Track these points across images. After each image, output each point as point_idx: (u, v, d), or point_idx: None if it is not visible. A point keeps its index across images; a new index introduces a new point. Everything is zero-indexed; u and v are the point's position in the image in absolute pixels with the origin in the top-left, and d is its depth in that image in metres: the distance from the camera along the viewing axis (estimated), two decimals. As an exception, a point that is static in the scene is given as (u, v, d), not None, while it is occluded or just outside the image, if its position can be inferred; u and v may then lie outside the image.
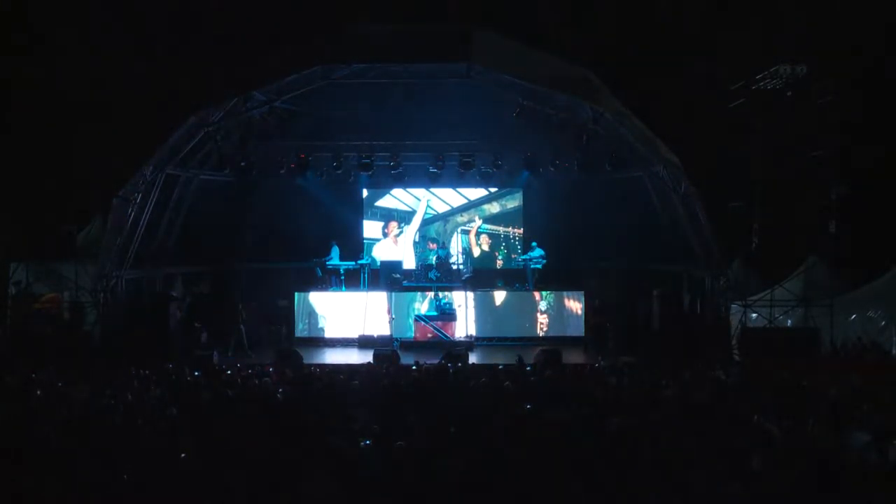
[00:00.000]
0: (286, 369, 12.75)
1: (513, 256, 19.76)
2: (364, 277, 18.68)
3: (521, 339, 18.20)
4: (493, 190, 20.02)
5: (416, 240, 19.85)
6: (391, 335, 18.08)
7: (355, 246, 19.48)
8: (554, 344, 16.57)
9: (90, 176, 17.10)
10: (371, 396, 9.77)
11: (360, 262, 18.78)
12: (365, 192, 20.24)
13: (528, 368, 13.18)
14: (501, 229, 20.09)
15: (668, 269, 18.37)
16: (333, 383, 11.18)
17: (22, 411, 8.83)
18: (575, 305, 18.04)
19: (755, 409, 8.50)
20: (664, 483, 6.02)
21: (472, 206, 20.19)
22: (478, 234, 20.11)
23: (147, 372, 11.88)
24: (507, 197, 20.19)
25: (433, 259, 18.73)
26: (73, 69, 17.22)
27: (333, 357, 16.43)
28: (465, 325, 17.94)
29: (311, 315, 18.17)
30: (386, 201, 20.23)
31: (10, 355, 14.26)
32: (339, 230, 19.33)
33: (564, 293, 18.14)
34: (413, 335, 17.90)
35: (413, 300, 18.09)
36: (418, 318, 18.02)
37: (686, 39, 18.62)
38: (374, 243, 20.10)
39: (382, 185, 19.50)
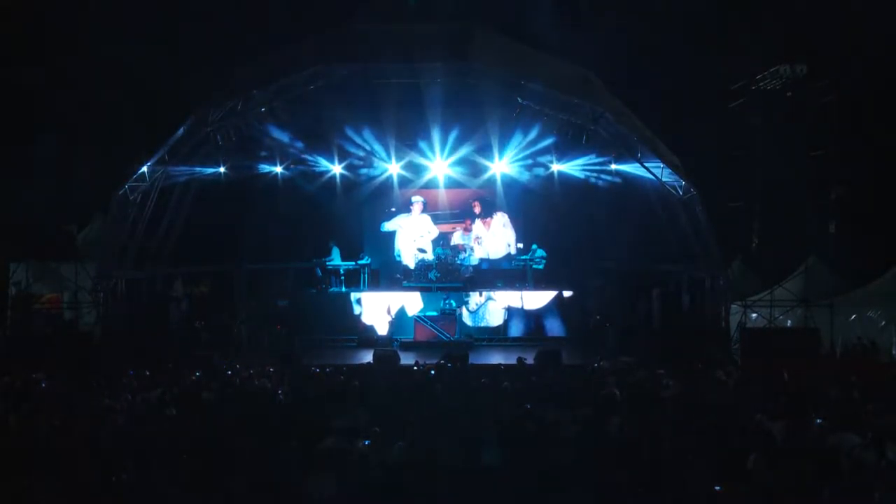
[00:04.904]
0: (286, 370, 12.76)
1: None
2: (364, 277, 18.67)
3: (521, 338, 18.22)
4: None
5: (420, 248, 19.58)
6: (391, 335, 18.10)
7: (355, 246, 19.45)
8: (554, 344, 16.60)
9: (90, 176, 17.12)
10: (371, 396, 9.78)
11: (359, 262, 18.76)
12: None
13: (529, 366, 13.20)
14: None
15: (668, 269, 18.35)
16: (333, 383, 11.19)
17: (22, 411, 8.83)
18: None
19: (755, 409, 8.51)
20: (665, 484, 6.02)
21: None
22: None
23: (147, 372, 11.88)
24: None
25: (433, 259, 18.68)
26: (73, 69, 17.23)
27: (333, 357, 16.40)
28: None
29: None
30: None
31: (10, 355, 14.26)
32: (339, 230, 19.30)
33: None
34: (413, 335, 17.90)
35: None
36: (418, 318, 18.02)
37: (687, 40, 18.64)
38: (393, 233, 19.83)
39: (382, 185, 19.45)
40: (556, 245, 18.86)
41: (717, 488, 5.79)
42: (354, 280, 18.77)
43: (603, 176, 18.17)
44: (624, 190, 18.42)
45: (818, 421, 7.77)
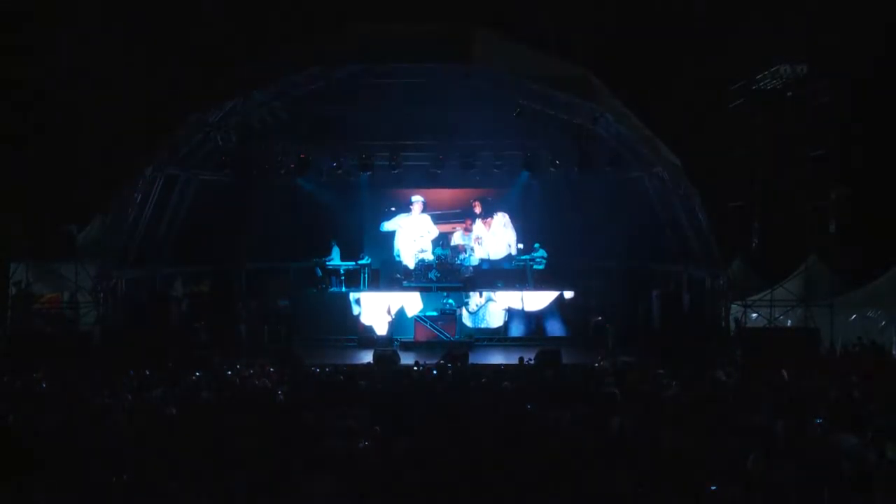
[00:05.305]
0: (286, 369, 12.75)
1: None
2: (364, 277, 18.67)
3: (521, 339, 18.21)
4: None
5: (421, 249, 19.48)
6: (391, 335, 18.09)
7: (355, 246, 19.45)
8: (554, 344, 16.60)
9: (90, 175, 17.12)
10: (371, 396, 9.78)
11: (360, 262, 18.76)
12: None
13: (529, 366, 13.20)
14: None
15: (668, 269, 18.36)
16: (333, 383, 11.19)
17: (22, 411, 8.82)
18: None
19: (755, 409, 8.51)
20: (665, 484, 6.02)
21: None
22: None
23: (147, 372, 11.88)
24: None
25: (433, 259, 18.66)
26: (73, 69, 17.23)
27: (333, 357, 16.39)
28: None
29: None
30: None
31: (10, 355, 14.26)
32: (339, 230, 19.30)
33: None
34: (413, 335, 17.89)
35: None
36: (418, 318, 18.01)
37: (686, 39, 18.65)
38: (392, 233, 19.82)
39: (382, 185, 19.47)
40: (557, 245, 18.85)
41: (713, 488, 5.80)
42: (354, 280, 18.76)
43: (603, 176, 18.16)
44: (624, 190, 18.43)
45: (818, 421, 7.78)
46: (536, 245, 18.72)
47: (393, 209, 19.72)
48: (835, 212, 17.91)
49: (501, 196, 19.72)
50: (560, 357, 14.49)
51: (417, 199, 19.51)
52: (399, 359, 14.90)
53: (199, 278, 19.70)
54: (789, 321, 15.98)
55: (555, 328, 18.50)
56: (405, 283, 18.26)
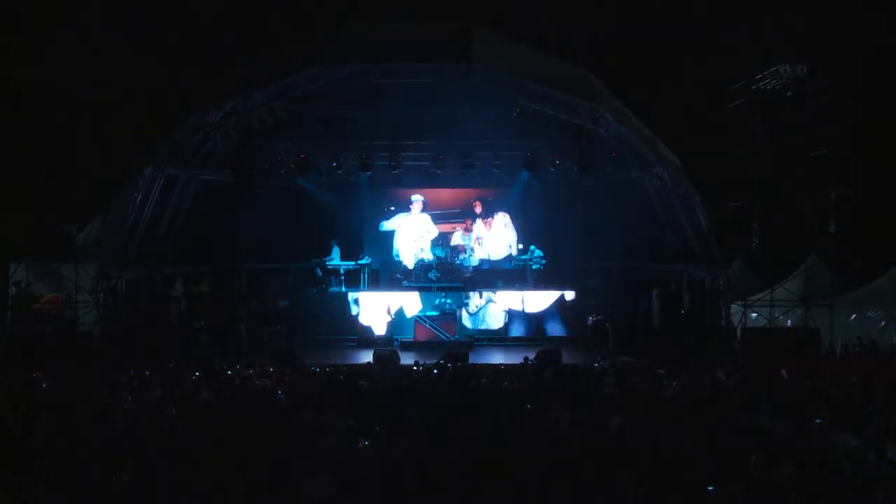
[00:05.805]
0: (286, 369, 12.75)
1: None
2: (364, 277, 18.66)
3: (521, 339, 18.20)
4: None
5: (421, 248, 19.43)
6: (391, 335, 18.08)
7: (355, 246, 19.45)
8: (554, 344, 16.60)
9: (90, 176, 17.11)
10: (371, 396, 9.78)
11: (359, 262, 18.75)
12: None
13: (529, 366, 13.20)
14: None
15: (668, 269, 18.36)
16: (333, 383, 11.19)
17: (22, 412, 8.82)
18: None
19: (755, 409, 8.51)
20: (665, 484, 6.02)
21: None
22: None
23: (147, 372, 11.87)
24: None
25: (433, 259, 18.65)
26: (73, 69, 17.22)
27: (333, 357, 16.40)
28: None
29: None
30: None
31: (10, 355, 14.25)
32: (339, 230, 19.30)
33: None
34: (413, 335, 17.89)
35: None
36: (419, 318, 18.00)
37: (686, 39, 18.65)
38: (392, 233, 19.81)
39: (382, 185, 19.47)
40: (557, 245, 18.84)
41: (711, 488, 5.80)
42: (354, 280, 18.75)
43: (603, 176, 18.15)
44: (624, 190, 18.42)
45: (818, 421, 7.78)
46: (532, 247, 18.69)
47: (392, 209, 19.71)
48: (835, 212, 17.93)
49: (501, 196, 19.70)
50: (560, 357, 14.49)
51: (417, 199, 19.49)
52: (399, 359, 14.90)
53: (199, 278, 19.68)
54: (789, 321, 15.98)
55: (555, 328, 18.50)
56: (405, 283, 18.25)
